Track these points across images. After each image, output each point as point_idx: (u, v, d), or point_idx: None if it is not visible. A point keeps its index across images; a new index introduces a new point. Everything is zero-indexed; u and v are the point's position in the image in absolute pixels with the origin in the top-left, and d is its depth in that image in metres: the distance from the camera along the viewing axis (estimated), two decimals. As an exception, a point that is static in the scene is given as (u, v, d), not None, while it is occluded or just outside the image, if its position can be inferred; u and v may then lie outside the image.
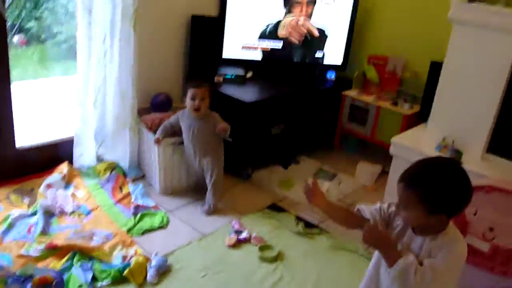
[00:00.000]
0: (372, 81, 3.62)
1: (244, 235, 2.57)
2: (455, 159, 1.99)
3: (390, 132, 3.20)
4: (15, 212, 2.51)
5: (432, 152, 2.70)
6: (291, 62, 3.59)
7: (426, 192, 1.33)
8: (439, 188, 1.32)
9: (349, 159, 3.61)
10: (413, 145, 2.82)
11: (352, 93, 3.61)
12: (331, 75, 3.74)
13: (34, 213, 2.52)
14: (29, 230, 2.40)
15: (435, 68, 2.99)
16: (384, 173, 3.35)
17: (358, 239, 2.58)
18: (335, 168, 3.47)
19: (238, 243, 2.51)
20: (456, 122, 2.74)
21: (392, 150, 2.93)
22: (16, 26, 3.61)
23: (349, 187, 3.25)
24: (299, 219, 2.79)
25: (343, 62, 3.71)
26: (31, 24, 3.70)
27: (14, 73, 2.69)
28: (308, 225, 2.75)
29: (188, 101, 2.68)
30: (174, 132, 2.84)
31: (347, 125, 3.66)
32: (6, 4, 2.54)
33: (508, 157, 2.68)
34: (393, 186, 2.74)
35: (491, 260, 2.14)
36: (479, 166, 2.60)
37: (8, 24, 2.66)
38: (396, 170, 2.91)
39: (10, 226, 2.42)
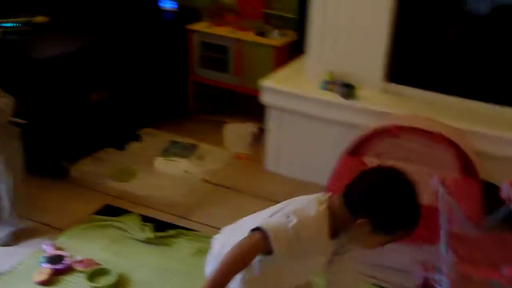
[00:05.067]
0: (227, 7, 3.25)
1: (63, 262, 2.19)
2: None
3: (260, 74, 2.86)
4: None
5: (317, 93, 2.61)
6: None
7: None
8: None
9: (212, 122, 3.31)
10: (291, 88, 2.64)
11: (201, 26, 3.20)
12: (169, 4, 3.30)
13: None
14: None
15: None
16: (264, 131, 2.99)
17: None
18: (193, 137, 3.14)
19: (55, 275, 2.14)
20: (342, 50, 2.62)
21: (263, 98, 2.69)
22: None
23: (217, 161, 2.97)
24: (145, 220, 2.47)
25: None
26: None
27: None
28: (160, 226, 2.44)
29: None
30: None
31: (201, 73, 3.26)
32: None
33: (412, 83, 2.57)
34: (274, 148, 2.76)
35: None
36: (378, 100, 2.54)
37: None
38: (276, 125, 2.73)
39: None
